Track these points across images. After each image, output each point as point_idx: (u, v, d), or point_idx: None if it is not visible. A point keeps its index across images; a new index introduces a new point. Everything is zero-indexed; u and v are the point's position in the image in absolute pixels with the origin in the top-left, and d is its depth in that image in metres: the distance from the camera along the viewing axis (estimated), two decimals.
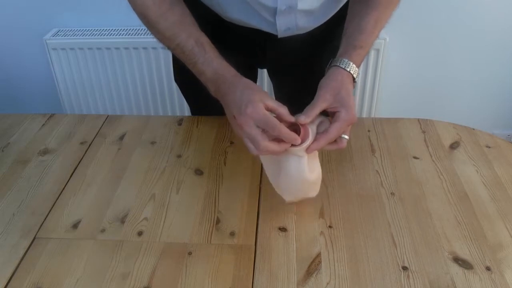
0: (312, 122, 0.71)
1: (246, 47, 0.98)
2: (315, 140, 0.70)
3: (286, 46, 0.94)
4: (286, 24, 0.89)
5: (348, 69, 0.75)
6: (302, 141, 0.69)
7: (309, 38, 0.94)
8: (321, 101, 0.72)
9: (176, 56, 0.80)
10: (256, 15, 0.87)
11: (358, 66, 0.77)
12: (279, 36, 0.91)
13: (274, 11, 0.85)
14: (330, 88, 0.73)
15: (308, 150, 0.69)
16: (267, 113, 0.68)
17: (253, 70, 1.13)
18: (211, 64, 0.75)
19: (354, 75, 0.76)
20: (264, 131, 0.68)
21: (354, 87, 0.76)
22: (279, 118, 0.69)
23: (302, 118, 0.70)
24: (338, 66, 0.76)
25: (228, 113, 0.73)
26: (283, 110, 0.70)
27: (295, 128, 0.70)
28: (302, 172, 0.71)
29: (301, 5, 0.85)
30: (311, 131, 0.70)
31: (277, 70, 1.13)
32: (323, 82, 0.75)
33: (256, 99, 0.68)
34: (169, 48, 0.81)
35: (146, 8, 0.78)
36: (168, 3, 0.79)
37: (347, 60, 0.76)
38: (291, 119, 0.70)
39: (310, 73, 1.04)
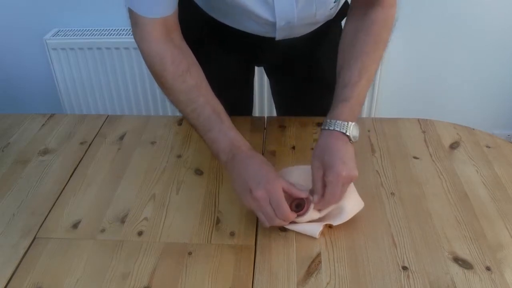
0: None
1: (244, 47, 0.99)
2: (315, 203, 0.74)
3: (283, 45, 0.95)
4: (285, 33, 0.89)
5: (332, 128, 0.76)
6: (305, 213, 0.73)
7: (306, 36, 0.94)
8: (316, 172, 0.74)
9: (187, 119, 0.79)
10: (255, 25, 0.87)
11: (348, 119, 0.76)
12: (276, 39, 0.91)
13: (273, 25, 0.86)
14: (316, 155, 0.75)
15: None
16: (282, 196, 0.69)
17: (250, 68, 1.13)
18: (228, 134, 0.75)
19: (343, 131, 0.75)
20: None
21: (351, 140, 0.76)
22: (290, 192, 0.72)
23: (316, 199, 0.73)
24: (324, 129, 0.78)
25: (240, 184, 0.72)
26: (295, 191, 0.72)
27: (299, 202, 0.74)
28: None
29: (300, 21, 0.85)
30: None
31: (274, 68, 1.13)
32: (313, 150, 0.76)
33: (275, 176, 0.70)
34: (182, 111, 0.79)
35: (164, 69, 0.77)
36: (186, 64, 0.78)
37: (331, 120, 0.77)
38: (304, 195, 0.73)
39: (308, 68, 1.05)
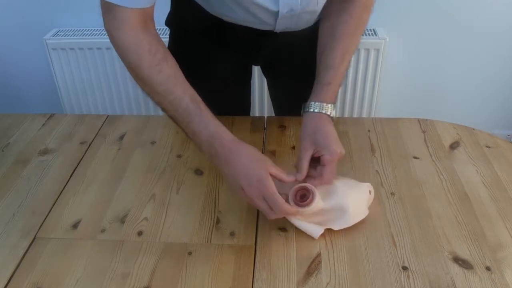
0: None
1: (241, 43, 0.98)
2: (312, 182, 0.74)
3: (280, 41, 0.94)
4: (286, 24, 0.89)
5: (318, 110, 0.79)
6: (310, 203, 0.72)
7: (303, 32, 0.94)
8: (304, 152, 0.76)
9: (166, 113, 0.77)
10: (255, 16, 0.87)
11: (331, 101, 0.81)
12: (275, 30, 0.91)
13: (275, 15, 0.85)
14: (307, 136, 0.77)
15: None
16: (276, 191, 0.69)
17: (248, 67, 1.13)
18: (208, 125, 0.73)
19: (328, 113, 0.80)
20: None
21: (333, 120, 0.80)
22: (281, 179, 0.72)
23: (298, 176, 0.74)
24: (309, 111, 0.80)
25: (231, 181, 0.72)
26: (284, 177, 0.72)
27: (303, 192, 0.73)
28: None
29: (302, 8, 0.85)
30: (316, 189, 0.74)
31: (271, 66, 1.13)
32: (301, 132, 0.79)
33: (265, 172, 0.69)
34: (159, 103, 0.77)
35: (140, 58, 0.74)
36: (162, 53, 0.75)
37: (317, 103, 0.80)
38: (291, 179, 0.73)
39: (304, 67, 1.04)
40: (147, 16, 0.75)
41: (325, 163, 0.74)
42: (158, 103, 0.77)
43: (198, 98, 0.75)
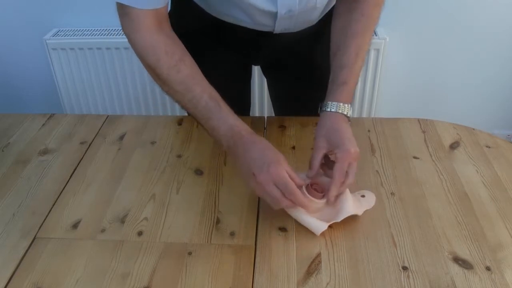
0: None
1: (241, 44, 0.98)
2: (328, 190, 0.74)
3: (280, 41, 0.94)
4: (283, 25, 0.89)
5: (335, 110, 0.79)
6: (324, 196, 0.74)
7: (303, 32, 0.94)
8: (318, 150, 0.77)
9: (185, 110, 0.80)
10: (254, 18, 0.87)
11: (347, 100, 0.81)
12: (275, 32, 0.91)
13: (274, 16, 0.85)
14: (321, 135, 0.78)
15: (328, 201, 0.74)
16: (288, 176, 0.70)
17: (247, 67, 1.13)
18: (227, 120, 0.75)
19: (345, 113, 0.79)
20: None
21: (349, 120, 0.80)
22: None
23: (309, 173, 0.75)
24: (326, 111, 0.80)
25: (244, 169, 0.73)
26: (296, 177, 0.72)
27: (316, 187, 0.74)
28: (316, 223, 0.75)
29: (302, 8, 0.85)
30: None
31: (271, 66, 1.13)
32: (316, 131, 0.79)
33: (277, 160, 0.71)
34: (179, 101, 0.79)
35: (158, 60, 0.76)
36: (179, 54, 0.78)
37: (333, 103, 0.80)
38: (302, 182, 0.72)
39: (305, 66, 1.04)
40: (161, 17, 0.77)
41: (337, 161, 0.74)
42: (177, 101, 0.79)
43: (217, 95, 0.77)
